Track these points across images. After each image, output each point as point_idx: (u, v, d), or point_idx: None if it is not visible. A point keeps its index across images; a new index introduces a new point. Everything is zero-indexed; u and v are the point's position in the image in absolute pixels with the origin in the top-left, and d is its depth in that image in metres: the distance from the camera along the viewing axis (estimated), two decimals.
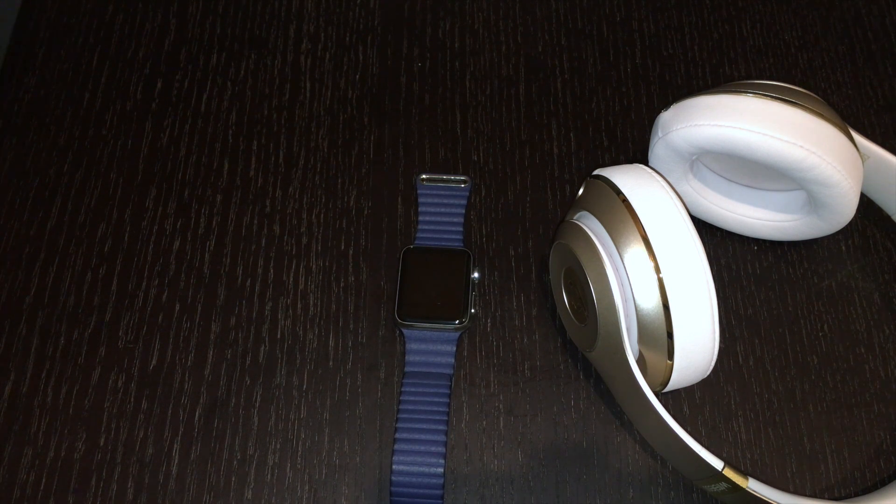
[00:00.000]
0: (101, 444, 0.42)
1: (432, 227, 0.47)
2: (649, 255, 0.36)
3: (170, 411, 0.43)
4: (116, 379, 0.43)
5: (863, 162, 0.43)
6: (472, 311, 0.44)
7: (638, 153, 0.50)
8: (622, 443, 0.42)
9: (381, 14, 0.55)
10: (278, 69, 0.53)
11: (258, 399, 0.43)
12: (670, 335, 0.36)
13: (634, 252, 0.37)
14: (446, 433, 0.41)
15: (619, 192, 0.38)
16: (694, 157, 0.43)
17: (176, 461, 0.42)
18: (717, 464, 0.36)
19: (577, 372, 0.44)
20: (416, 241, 0.46)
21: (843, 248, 0.47)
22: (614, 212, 0.38)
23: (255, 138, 0.51)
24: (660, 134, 0.42)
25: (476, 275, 0.45)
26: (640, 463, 0.42)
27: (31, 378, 0.43)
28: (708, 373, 0.38)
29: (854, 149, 0.41)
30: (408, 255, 0.45)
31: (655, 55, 0.53)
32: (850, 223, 0.46)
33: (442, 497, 0.40)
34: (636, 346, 0.38)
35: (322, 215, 0.48)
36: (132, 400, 0.43)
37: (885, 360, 0.44)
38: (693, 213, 0.46)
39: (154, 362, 0.44)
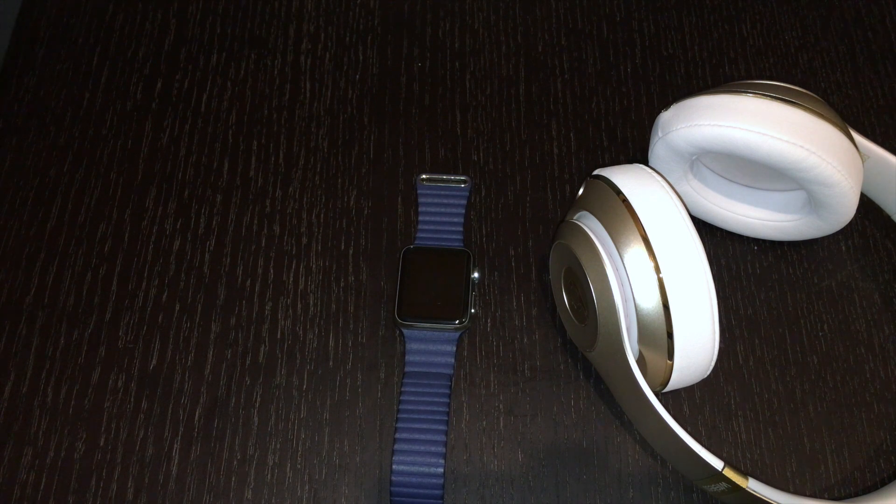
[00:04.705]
0: (101, 444, 0.42)
1: (432, 227, 0.47)
2: (649, 255, 0.36)
3: (170, 411, 0.43)
4: (116, 379, 0.43)
5: (863, 162, 0.43)
6: (472, 311, 0.44)
7: (638, 153, 0.50)
8: (622, 443, 0.42)
9: (381, 14, 0.55)
10: (278, 69, 0.53)
11: (258, 399, 0.43)
12: (670, 335, 0.36)
13: (634, 252, 0.37)
14: (446, 433, 0.41)
15: (619, 192, 0.38)
16: (694, 157, 0.43)
17: (176, 461, 0.42)
18: (717, 464, 0.36)
19: (577, 372, 0.44)
20: (416, 241, 0.46)
21: (843, 248, 0.47)
22: (614, 212, 0.38)
23: (255, 138, 0.51)
24: (660, 134, 0.42)
25: (476, 275, 0.45)
26: (640, 463, 0.42)
27: (31, 378, 0.43)
28: (708, 373, 0.38)
29: (854, 149, 0.41)
30: (408, 255, 0.45)
31: (655, 55, 0.53)
32: (850, 223, 0.46)
33: (442, 497, 0.40)
34: (636, 346, 0.38)
35: (322, 215, 0.48)
36: (132, 400, 0.43)
37: (885, 360, 0.44)
38: (693, 213, 0.46)
39: (154, 362, 0.44)
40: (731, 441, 0.42)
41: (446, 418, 0.41)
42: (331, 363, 0.44)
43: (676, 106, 0.42)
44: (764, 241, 0.47)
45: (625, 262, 0.37)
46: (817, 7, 0.55)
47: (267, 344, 0.44)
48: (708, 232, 0.47)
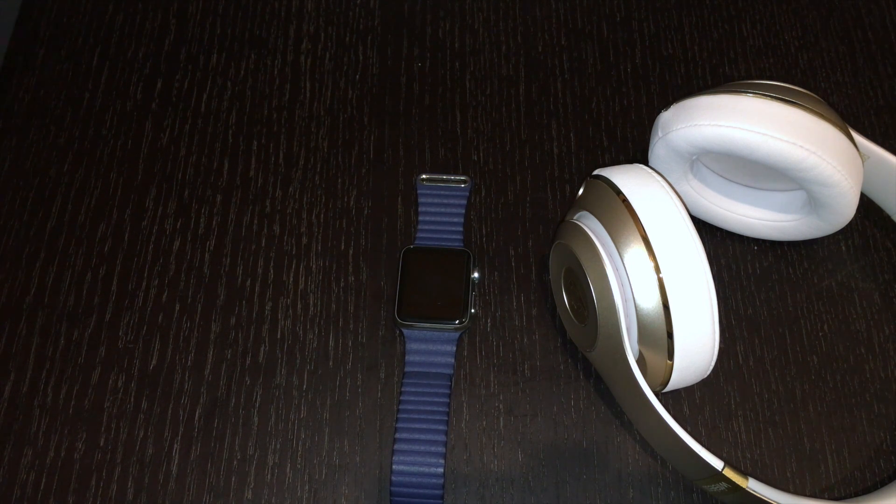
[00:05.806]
0: (101, 444, 0.42)
1: (432, 227, 0.47)
2: (649, 255, 0.36)
3: (170, 411, 0.43)
4: (116, 379, 0.43)
5: (863, 162, 0.43)
6: (472, 311, 0.44)
7: (638, 153, 0.50)
8: (622, 443, 0.42)
9: (381, 14, 0.55)
10: (278, 69, 0.53)
11: (258, 399, 0.43)
12: (670, 335, 0.36)
13: (634, 252, 0.37)
14: (446, 433, 0.41)
15: (619, 192, 0.38)
16: (694, 157, 0.43)
17: (176, 461, 0.42)
18: (717, 464, 0.36)
19: (577, 372, 0.44)
20: (416, 241, 0.46)
21: (843, 248, 0.47)
22: (614, 212, 0.38)
23: (255, 138, 0.51)
24: (660, 134, 0.42)
25: (476, 275, 0.45)
26: (640, 463, 0.42)
27: (31, 378, 0.43)
28: (708, 373, 0.38)
29: (854, 149, 0.41)
30: (408, 255, 0.45)
31: (655, 55, 0.53)
32: (850, 223, 0.46)
33: (442, 497, 0.40)
34: (636, 346, 0.38)
35: (322, 215, 0.48)
36: (132, 400, 0.43)
37: (885, 360, 0.44)
38: (693, 213, 0.46)
39: (154, 362, 0.44)
40: (731, 441, 0.42)
41: (446, 418, 0.41)
42: (331, 363, 0.44)
43: (676, 106, 0.42)
44: (764, 241, 0.47)
45: (625, 262, 0.37)
46: (817, 7, 0.55)
47: (267, 344, 0.44)
48: (708, 232, 0.47)
